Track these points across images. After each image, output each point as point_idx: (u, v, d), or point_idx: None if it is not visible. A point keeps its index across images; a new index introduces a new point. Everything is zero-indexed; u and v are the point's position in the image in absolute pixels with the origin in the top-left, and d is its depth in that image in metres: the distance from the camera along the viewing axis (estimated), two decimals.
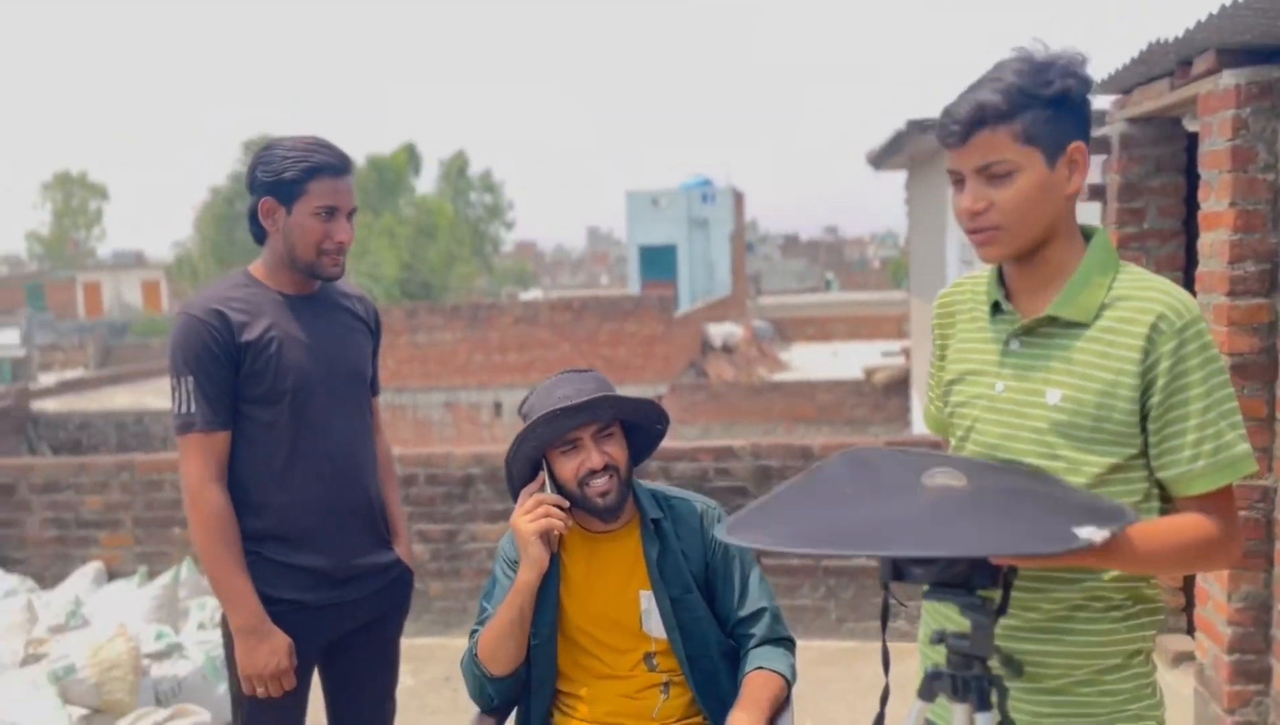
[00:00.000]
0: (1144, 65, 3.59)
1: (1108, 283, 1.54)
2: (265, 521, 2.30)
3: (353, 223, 2.35)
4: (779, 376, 18.66)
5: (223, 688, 3.99)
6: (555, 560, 2.26)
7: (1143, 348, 1.49)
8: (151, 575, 4.84)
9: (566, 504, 2.19)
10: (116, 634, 3.62)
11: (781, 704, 2.20)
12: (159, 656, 3.90)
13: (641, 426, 2.29)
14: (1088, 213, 4.28)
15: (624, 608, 2.25)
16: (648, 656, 2.25)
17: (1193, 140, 4.01)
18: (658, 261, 28.19)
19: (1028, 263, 1.57)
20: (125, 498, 5.02)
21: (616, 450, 2.20)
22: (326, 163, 2.27)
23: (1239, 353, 3.13)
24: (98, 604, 4.42)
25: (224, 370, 2.24)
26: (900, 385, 14.77)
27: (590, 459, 2.17)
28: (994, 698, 1.37)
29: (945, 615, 1.60)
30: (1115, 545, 1.36)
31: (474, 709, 2.31)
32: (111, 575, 5.00)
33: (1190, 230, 4.02)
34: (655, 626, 2.24)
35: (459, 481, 4.86)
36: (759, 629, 2.26)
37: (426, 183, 43.48)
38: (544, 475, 2.21)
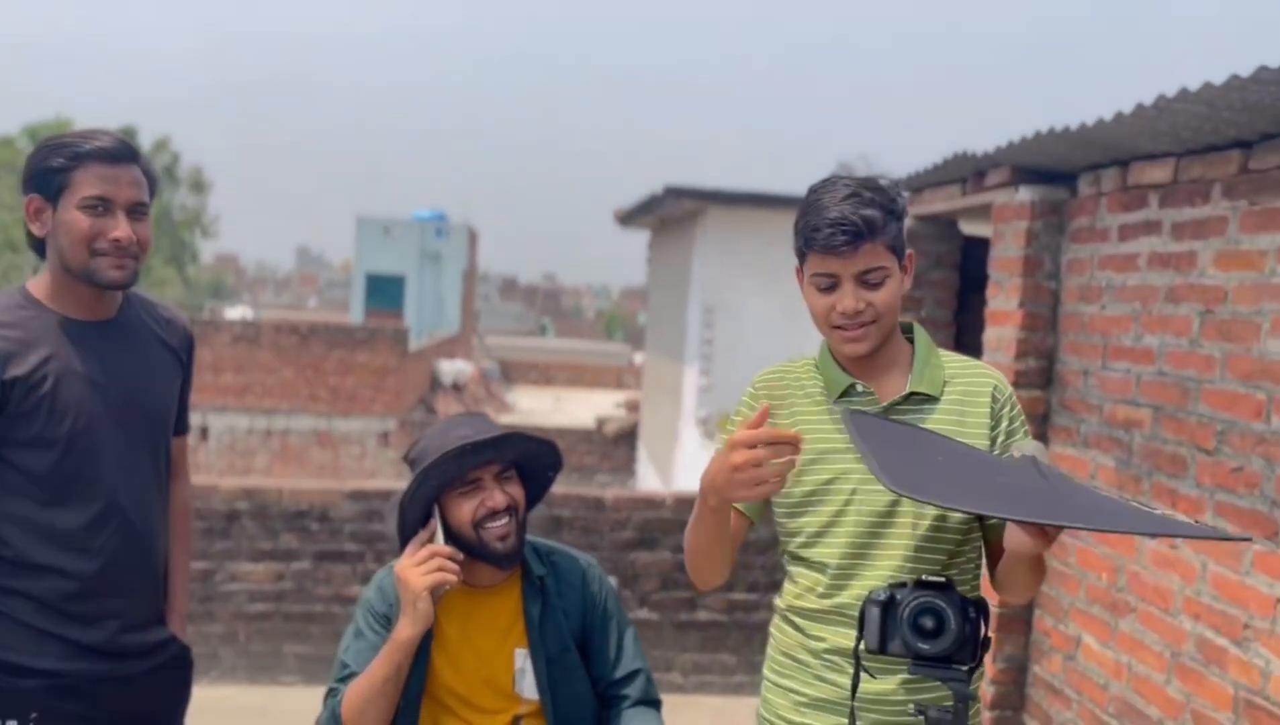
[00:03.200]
0: (941, 171, 3.98)
1: (941, 363, 1.80)
2: (30, 584, 1.92)
3: (140, 219, 1.98)
4: (505, 418, 18.63)
5: None
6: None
7: (988, 414, 1.76)
8: None
9: (461, 556, 2.08)
10: None
11: None
12: None
13: (531, 474, 2.22)
14: None
15: (498, 667, 2.16)
16: (516, 720, 2.16)
17: (968, 242, 4.47)
18: (385, 291, 27.35)
19: (874, 353, 1.75)
20: None
21: (517, 492, 2.13)
22: (97, 149, 1.91)
23: None
24: None
25: None
26: (628, 437, 15.18)
27: (493, 498, 2.08)
28: None
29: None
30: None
31: None
32: None
33: (958, 321, 4.47)
34: (528, 688, 2.16)
35: (222, 517, 4.45)
36: (633, 690, 2.24)
37: None
38: (436, 522, 2.09)
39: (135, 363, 2.05)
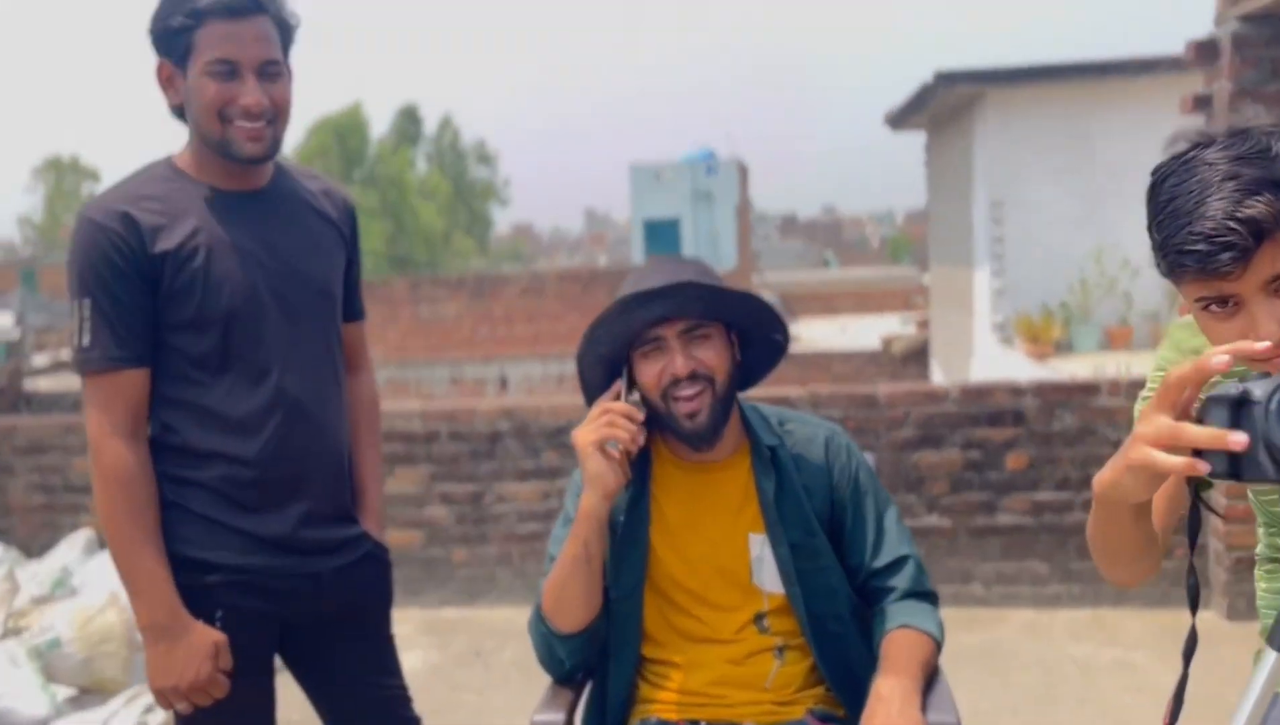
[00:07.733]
0: None
1: None
2: (200, 473, 1.78)
3: (273, 79, 1.76)
4: (791, 349, 18.26)
5: None
6: (646, 496, 1.84)
7: None
8: None
9: (640, 415, 1.75)
10: (107, 604, 3.19)
11: (933, 671, 1.77)
12: None
13: (756, 338, 1.85)
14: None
15: (731, 555, 1.82)
16: (758, 616, 1.82)
17: None
18: (662, 236, 27.64)
19: None
20: None
21: (713, 357, 1.76)
22: (216, 3, 1.70)
23: None
24: (88, 574, 4.00)
25: (133, 290, 1.72)
26: (919, 354, 14.35)
27: (674, 364, 1.74)
28: None
29: None
30: None
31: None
32: (103, 543, 4.57)
33: None
34: (769, 579, 1.82)
35: (485, 438, 4.42)
36: (900, 581, 1.83)
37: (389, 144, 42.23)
38: (620, 382, 1.78)
39: (292, 235, 1.86)
